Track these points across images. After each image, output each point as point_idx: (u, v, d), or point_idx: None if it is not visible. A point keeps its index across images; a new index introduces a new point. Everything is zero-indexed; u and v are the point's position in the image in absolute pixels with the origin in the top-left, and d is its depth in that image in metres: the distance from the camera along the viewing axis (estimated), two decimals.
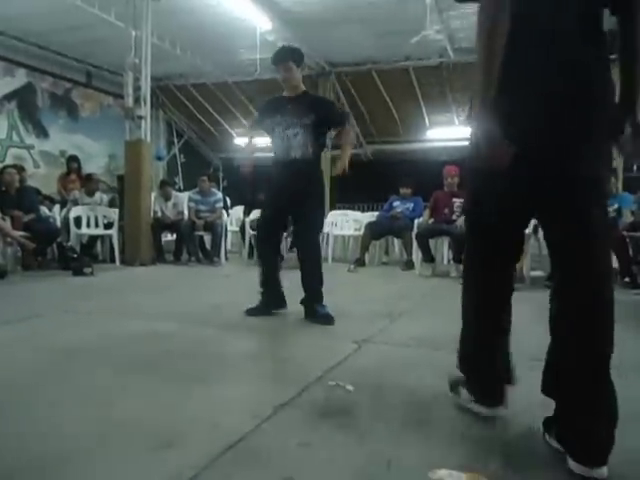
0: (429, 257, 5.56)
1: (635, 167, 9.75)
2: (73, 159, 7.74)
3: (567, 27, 1.35)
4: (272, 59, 3.05)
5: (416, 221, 5.89)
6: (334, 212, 7.54)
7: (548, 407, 1.39)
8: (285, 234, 6.31)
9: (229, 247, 7.35)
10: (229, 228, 7.21)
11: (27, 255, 5.36)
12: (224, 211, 6.82)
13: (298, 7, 6.79)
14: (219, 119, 11.89)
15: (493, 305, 1.58)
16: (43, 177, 8.19)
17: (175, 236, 6.64)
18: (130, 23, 6.11)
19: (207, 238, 6.62)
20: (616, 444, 1.25)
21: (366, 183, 10.69)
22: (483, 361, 1.59)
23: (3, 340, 2.50)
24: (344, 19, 7.05)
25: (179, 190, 8.90)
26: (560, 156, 1.35)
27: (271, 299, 3.11)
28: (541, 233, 1.65)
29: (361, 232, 6.50)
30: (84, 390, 1.79)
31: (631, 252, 4.69)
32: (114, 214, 6.25)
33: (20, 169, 6.09)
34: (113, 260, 6.15)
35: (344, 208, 8.09)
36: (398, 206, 6.41)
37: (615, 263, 4.96)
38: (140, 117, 6.14)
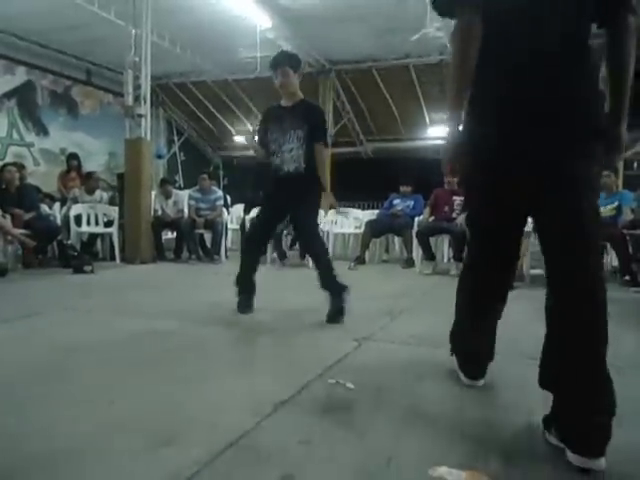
0: (429, 255, 5.56)
1: (635, 165, 9.74)
2: (73, 157, 7.75)
3: (551, 44, 1.41)
4: (270, 64, 3.04)
5: (416, 219, 5.90)
6: (334, 210, 7.54)
7: (547, 405, 1.40)
8: (285, 232, 6.33)
9: (229, 245, 7.35)
10: (229, 226, 7.21)
11: (28, 253, 5.36)
12: (224, 209, 6.82)
13: (298, 5, 6.78)
14: (219, 117, 11.89)
15: (487, 299, 1.72)
16: (43, 175, 8.20)
17: (175, 234, 6.64)
18: (130, 21, 6.10)
19: (207, 236, 6.63)
20: (616, 442, 1.25)
21: (366, 181, 10.68)
22: (468, 342, 1.80)
23: (2, 338, 2.50)
24: (344, 17, 7.04)
25: (179, 188, 8.90)
26: (547, 158, 1.40)
27: (249, 292, 3.15)
28: None
29: (361, 230, 6.50)
30: (83, 388, 1.79)
31: (631, 250, 4.69)
32: (114, 212, 6.26)
33: (20, 167, 6.09)
34: (113, 258, 6.16)
35: (344, 206, 8.08)
36: (398, 204, 6.41)
37: (615, 261, 4.98)
38: (140, 115, 6.14)
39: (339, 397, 1.71)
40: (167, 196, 6.73)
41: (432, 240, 5.66)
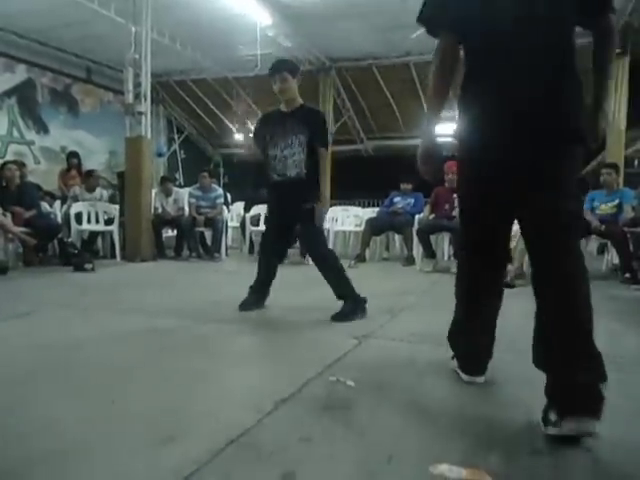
0: (430, 253, 5.56)
1: (636, 163, 9.73)
2: (73, 155, 7.74)
3: (534, 56, 1.50)
4: (268, 71, 3.03)
5: (417, 217, 5.89)
6: (335, 208, 7.54)
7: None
8: None
9: (230, 243, 7.35)
10: (230, 224, 7.21)
11: (28, 251, 5.36)
12: (225, 207, 6.82)
13: (298, 2, 6.77)
14: (219, 115, 11.88)
15: (481, 296, 1.77)
16: (43, 173, 8.20)
17: (176, 232, 6.65)
18: (130, 19, 6.10)
19: (208, 234, 6.63)
20: (618, 440, 1.25)
21: (366, 179, 10.68)
22: (464, 340, 1.83)
23: (3, 336, 2.51)
24: (345, 14, 7.03)
25: (180, 186, 8.89)
26: (531, 161, 1.51)
27: (260, 294, 3.17)
28: None
29: (362, 228, 6.49)
30: (84, 386, 1.80)
31: (631, 248, 4.68)
32: (115, 210, 6.25)
33: (21, 165, 6.08)
34: (114, 256, 6.16)
35: (345, 204, 8.08)
36: (399, 202, 6.41)
37: (616, 259, 4.98)
38: (140, 113, 6.13)
39: (340, 395, 1.72)
40: (167, 194, 6.72)
41: (432, 238, 5.66)
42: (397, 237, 6.78)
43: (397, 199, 6.46)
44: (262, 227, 5.84)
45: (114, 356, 2.17)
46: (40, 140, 8.68)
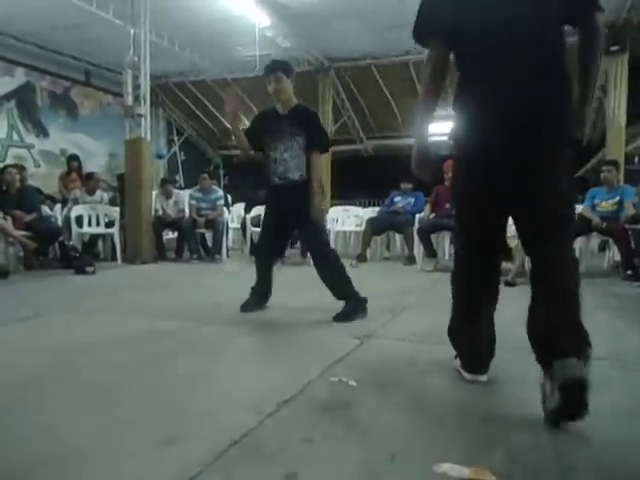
0: (431, 252, 5.56)
1: (637, 159, 9.72)
2: (73, 158, 7.75)
3: (523, 60, 1.54)
4: (263, 71, 3.02)
5: (417, 216, 5.89)
6: (335, 208, 7.54)
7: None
8: None
9: (230, 244, 7.35)
10: (230, 225, 7.22)
11: (29, 255, 5.37)
12: (225, 208, 6.83)
13: (296, 3, 6.77)
14: (219, 116, 11.87)
15: (478, 294, 1.79)
16: (44, 176, 8.21)
17: (176, 234, 6.65)
18: (128, 21, 6.10)
19: (208, 235, 6.64)
20: (620, 437, 1.25)
21: (367, 179, 10.68)
22: (465, 338, 1.84)
23: (5, 340, 2.51)
24: (343, 14, 7.03)
25: (180, 188, 8.91)
26: (521, 158, 1.56)
27: (261, 294, 3.16)
28: None
29: (362, 228, 6.49)
30: (86, 389, 1.80)
31: (633, 245, 4.68)
32: (115, 212, 6.26)
33: (21, 169, 6.09)
34: (115, 258, 6.17)
35: (345, 204, 8.08)
36: (399, 201, 6.41)
37: (617, 256, 4.97)
38: (140, 115, 6.14)
39: (341, 395, 1.71)
40: (168, 196, 6.73)
41: (433, 237, 5.66)
42: (398, 237, 6.78)
43: (397, 198, 6.46)
44: None
45: (115, 359, 2.16)
46: (40, 143, 8.69)
